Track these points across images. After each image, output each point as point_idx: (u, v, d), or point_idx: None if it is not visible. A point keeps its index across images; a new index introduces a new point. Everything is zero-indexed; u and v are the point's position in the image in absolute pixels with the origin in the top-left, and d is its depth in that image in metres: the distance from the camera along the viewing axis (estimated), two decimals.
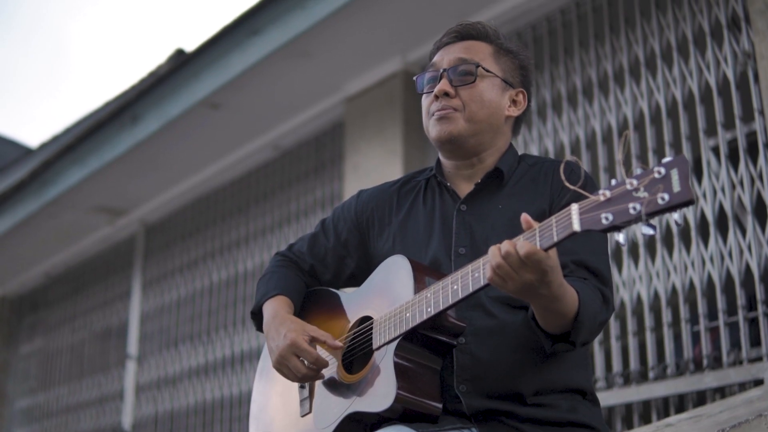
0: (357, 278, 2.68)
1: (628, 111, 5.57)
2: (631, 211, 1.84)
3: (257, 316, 2.68)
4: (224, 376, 8.18)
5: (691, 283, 5.07)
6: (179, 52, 12.21)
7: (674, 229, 5.15)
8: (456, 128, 2.52)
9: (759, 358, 4.67)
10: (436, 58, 2.61)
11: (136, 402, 9.22)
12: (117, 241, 10.00)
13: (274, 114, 7.55)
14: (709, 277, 5.00)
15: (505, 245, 2.02)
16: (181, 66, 7.21)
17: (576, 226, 1.93)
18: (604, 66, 5.78)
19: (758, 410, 3.13)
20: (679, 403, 4.96)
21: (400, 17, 6.31)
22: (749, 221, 4.84)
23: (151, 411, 8.99)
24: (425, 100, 2.60)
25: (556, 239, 1.96)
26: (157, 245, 9.45)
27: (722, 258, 4.95)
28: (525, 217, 2.05)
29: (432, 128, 2.55)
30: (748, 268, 4.83)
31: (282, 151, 7.97)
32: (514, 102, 2.61)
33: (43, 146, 12.59)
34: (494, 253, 2.05)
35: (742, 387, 4.67)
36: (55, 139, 12.52)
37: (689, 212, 5.12)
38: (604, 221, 1.88)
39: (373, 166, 6.75)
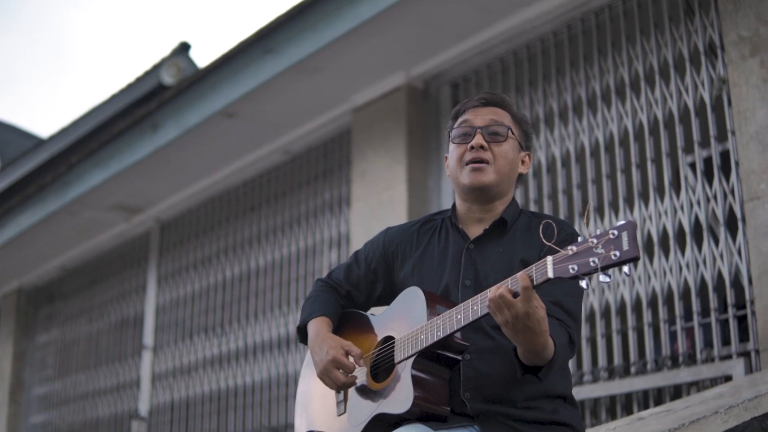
0: (384, 300, 3.22)
1: (614, 128, 6.07)
2: (591, 264, 2.36)
3: (302, 331, 3.22)
4: (237, 366, 8.69)
5: (670, 287, 5.59)
6: (183, 46, 12.61)
7: (655, 238, 5.68)
8: (488, 178, 3.00)
9: (729, 356, 5.20)
10: (468, 116, 3.07)
11: (153, 390, 9.71)
12: (132, 237, 10.51)
13: (286, 122, 8.05)
14: (686, 282, 5.51)
15: (502, 288, 2.53)
16: (199, 80, 7.70)
17: (550, 274, 2.45)
18: (592, 85, 6.28)
19: (716, 407, 3.66)
20: (658, 396, 5.50)
21: (404, 37, 6.80)
22: (722, 232, 5.36)
23: (167, 398, 9.49)
24: (457, 150, 3.06)
25: (535, 283, 2.50)
26: (171, 241, 9.95)
27: (697, 265, 5.47)
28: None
29: (466, 175, 3.02)
30: (720, 275, 5.36)
31: (292, 155, 8.47)
32: (523, 162, 3.13)
33: (53, 138, 13.04)
34: (493, 290, 2.55)
35: (714, 382, 5.20)
36: (64, 131, 12.95)
37: (668, 222, 5.64)
38: (571, 270, 2.40)
39: (380, 174, 7.24)
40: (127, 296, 10.54)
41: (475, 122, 3.06)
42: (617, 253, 2.33)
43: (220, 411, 8.80)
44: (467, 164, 3.03)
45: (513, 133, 3.06)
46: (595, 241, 2.36)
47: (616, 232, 2.34)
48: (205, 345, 9.16)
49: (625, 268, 2.34)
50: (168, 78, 11.56)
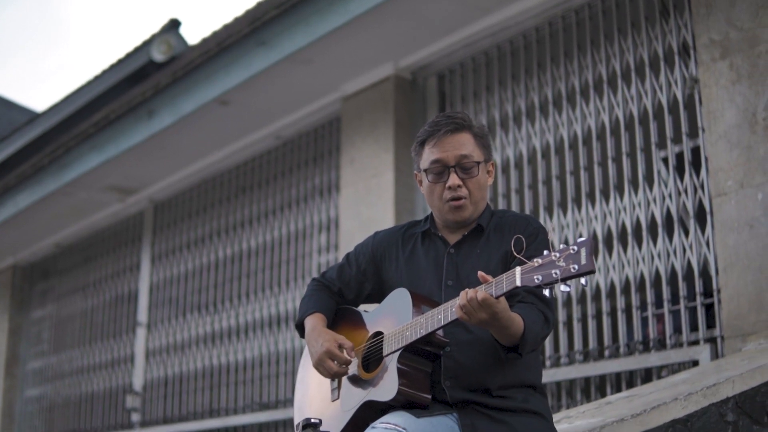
0: (373, 297, 3.55)
1: (591, 122, 6.36)
2: (553, 275, 2.68)
3: (300, 327, 3.54)
4: (230, 343, 9.00)
5: (642, 276, 5.91)
6: (173, 22, 12.74)
7: (629, 228, 5.99)
8: (468, 213, 3.33)
9: (696, 342, 5.53)
10: (438, 155, 3.32)
11: (147, 366, 10.02)
12: (126, 217, 10.80)
13: (278, 110, 8.34)
14: (657, 271, 5.83)
15: (470, 293, 2.86)
16: (194, 69, 7.98)
17: (518, 282, 2.77)
18: (572, 81, 6.57)
19: (677, 393, 3.98)
20: (630, 378, 5.83)
21: (393, 31, 7.08)
22: (691, 224, 5.68)
23: (161, 374, 9.81)
24: (435, 187, 3.34)
25: (504, 290, 2.81)
26: (165, 221, 10.24)
27: (668, 255, 5.79)
28: (481, 274, 2.89)
29: (448, 212, 3.33)
30: (689, 265, 5.68)
31: (283, 140, 8.75)
32: (488, 173, 3.43)
33: (46, 113, 13.21)
34: (462, 297, 2.89)
35: (682, 366, 5.54)
36: (56, 107, 13.12)
37: (642, 214, 5.96)
38: (536, 280, 2.72)
39: (368, 161, 7.53)
40: (121, 274, 10.83)
41: (447, 161, 3.32)
42: (576, 267, 2.64)
43: (212, 387, 9.12)
44: (447, 201, 3.33)
45: (480, 159, 3.34)
46: (557, 255, 2.68)
47: (576, 248, 2.66)
48: (198, 323, 9.46)
49: (582, 280, 2.65)
50: (158, 55, 11.64)
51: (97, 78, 12.49)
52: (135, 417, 9.98)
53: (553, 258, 2.68)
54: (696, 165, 5.75)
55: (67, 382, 11.45)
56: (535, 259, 2.73)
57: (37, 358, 12.25)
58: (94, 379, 10.92)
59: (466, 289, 2.89)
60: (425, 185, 3.39)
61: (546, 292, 2.71)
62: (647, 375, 5.77)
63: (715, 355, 5.38)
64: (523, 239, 2.91)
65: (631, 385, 5.76)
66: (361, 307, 3.55)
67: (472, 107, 7.16)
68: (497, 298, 2.83)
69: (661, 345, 5.71)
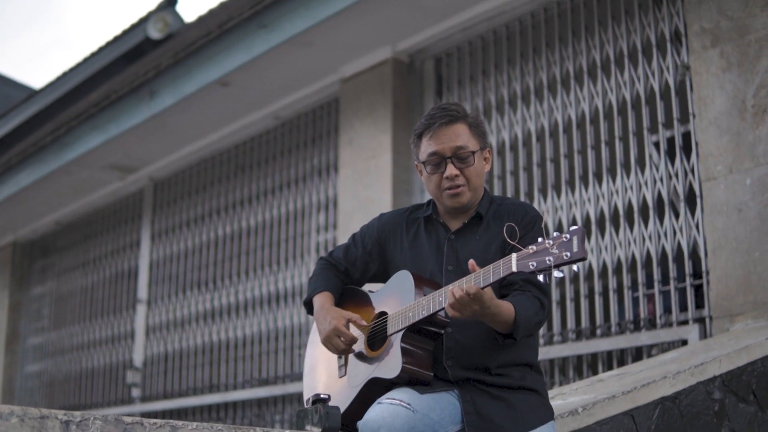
0: (377, 277, 3.71)
1: (586, 107, 6.52)
2: (547, 262, 2.84)
3: (308, 305, 3.71)
4: (229, 320, 9.16)
5: (633, 256, 6.08)
6: (168, 2, 12.79)
7: (620, 210, 6.16)
8: (466, 199, 3.49)
9: (685, 322, 5.71)
10: (435, 147, 3.48)
11: (147, 342, 10.19)
12: (126, 195, 10.95)
13: (277, 91, 8.48)
14: (648, 252, 6.01)
15: (456, 291, 3.02)
16: (196, 51, 8.11)
17: (514, 268, 2.93)
18: (566, 66, 6.71)
19: (666, 372, 4.16)
20: (621, 357, 6.01)
21: (391, 15, 7.22)
22: (682, 207, 5.85)
23: (161, 350, 9.97)
24: (433, 177, 3.50)
25: (502, 275, 2.98)
26: (165, 200, 10.38)
27: (659, 237, 5.96)
28: (471, 263, 3.05)
29: (447, 199, 3.49)
30: (679, 246, 5.85)
31: (282, 120, 8.90)
32: (485, 159, 3.58)
33: (43, 90, 13.31)
34: (449, 296, 3.04)
35: (672, 345, 5.72)
36: (54, 84, 13.22)
37: (633, 197, 6.13)
38: (530, 266, 2.88)
39: (366, 142, 7.69)
40: (121, 251, 10.97)
41: (443, 152, 3.48)
42: (568, 254, 2.81)
43: (212, 363, 9.28)
44: (445, 190, 3.49)
45: (476, 148, 3.50)
46: (551, 242, 2.85)
47: (568, 236, 2.83)
48: (197, 300, 9.62)
49: (574, 266, 2.82)
50: (155, 32, 11.71)
51: (93, 55, 12.58)
52: (135, 392, 10.14)
53: (547, 245, 2.85)
54: (686, 150, 5.91)
55: (68, 358, 11.60)
56: (530, 246, 2.90)
57: (37, 334, 12.40)
58: (95, 354, 11.07)
59: (451, 288, 3.05)
60: (424, 175, 3.55)
61: (541, 278, 2.87)
62: (638, 353, 5.95)
63: (704, 334, 5.56)
64: (516, 228, 3.08)
65: (621, 363, 5.94)
66: (366, 287, 3.71)
67: (468, 90, 7.31)
68: (483, 287, 3.00)
69: (651, 324, 5.89)
